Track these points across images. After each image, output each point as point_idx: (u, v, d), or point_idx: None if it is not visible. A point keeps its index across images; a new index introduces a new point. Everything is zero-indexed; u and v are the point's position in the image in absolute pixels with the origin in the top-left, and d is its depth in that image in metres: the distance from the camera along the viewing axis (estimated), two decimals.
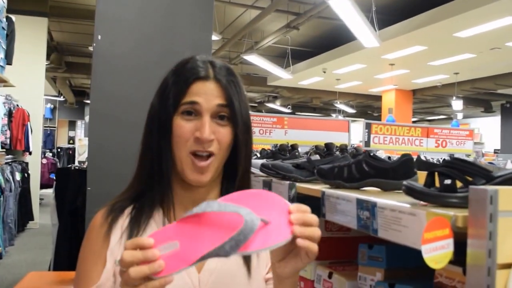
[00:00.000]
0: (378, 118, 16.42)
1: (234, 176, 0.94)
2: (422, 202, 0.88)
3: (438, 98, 14.61)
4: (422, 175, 1.18)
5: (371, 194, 1.04)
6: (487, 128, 17.23)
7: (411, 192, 0.88)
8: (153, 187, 0.93)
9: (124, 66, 2.35)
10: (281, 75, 10.76)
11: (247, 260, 0.93)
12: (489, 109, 15.33)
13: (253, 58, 9.21)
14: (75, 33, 10.47)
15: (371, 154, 1.24)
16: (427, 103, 16.58)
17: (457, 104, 12.14)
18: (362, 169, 1.21)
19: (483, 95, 14.16)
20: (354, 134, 4.88)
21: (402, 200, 1.00)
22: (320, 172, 1.28)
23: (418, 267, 1.14)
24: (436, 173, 0.89)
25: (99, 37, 2.30)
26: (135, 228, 0.91)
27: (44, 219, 7.72)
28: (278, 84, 13.19)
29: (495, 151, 11.75)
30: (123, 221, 0.92)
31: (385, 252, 1.11)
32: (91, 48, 9.26)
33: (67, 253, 4.02)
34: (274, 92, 15.83)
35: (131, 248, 0.69)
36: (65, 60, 12.06)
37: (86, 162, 6.57)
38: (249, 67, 12.45)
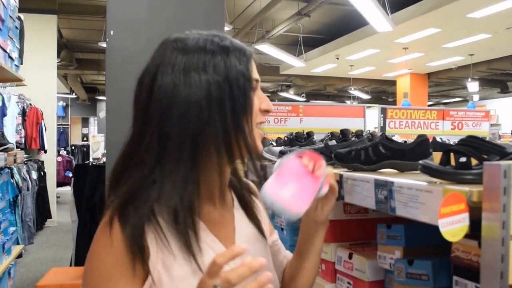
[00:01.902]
0: (393, 103, 16.32)
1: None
2: (438, 180, 0.92)
3: (454, 80, 14.46)
4: (437, 156, 1.22)
5: (388, 175, 1.09)
6: (504, 109, 16.99)
7: (427, 170, 0.93)
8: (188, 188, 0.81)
9: (138, 62, 2.36)
10: (294, 64, 10.75)
11: (261, 229, 0.99)
12: (505, 89, 15.13)
13: (265, 48, 9.22)
14: (84, 29, 10.59)
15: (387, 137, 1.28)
16: (442, 86, 16.42)
17: (472, 86, 12.01)
18: (378, 151, 1.25)
19: (499, 76, 13.97)
20: (369, 120, 4.89)
21: (418, 179, 1.04)
22: (338, 156, 1.33)
23: (435, 244, 1.19)
24: (451, 152, 0.94)
25: (112, 32, 2.35)
26: (185, 231, 0.80)
27: (62, 216, 7.88)
28: (291, 72, 13.17)
29: None
30: (154, 226, 0.81)
31: (403, 231, 1.15)
32: (101, 44, 9.41)
33: (87, 249, 4.10)
34: (287, 81, 15.81)
35: (226, 261, 0.67)
36: (75, 57, 12.21)
37: (102, 158, 6.67)
38: (261, 57, 12.44)
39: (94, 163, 4.44)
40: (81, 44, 12.18)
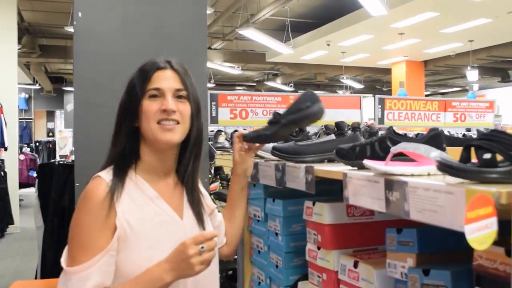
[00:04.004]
0: (388, 92, 16.43)
1: (186, 146, 1.32)
2: (458, 179, 0.89)
3: (452, 68, 14.60)
4: (449, 152, 1.19)
5: (400, 174, 1.05)
6: (505, 99, 17.23)
7: (446, 168, 0.89)
8: (126, 160, 1.29)
9: (110, 47, 2.31)
10: (281, 50, 10.72)
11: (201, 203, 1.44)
12: (506, 78, 15.33)
13: (250, 33, 9.16)
14: (49, 11, 10.34)
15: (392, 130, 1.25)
16: (440, 74, 16.57)
17: (472, 75, 12.13)
18: (386, 147, 1.22)
19: (500, 64, 14.14)
20: (364, 111, 4.88)
21: (434, 178, 1.01)
22: (340, 152, 1.29)
23: (452, 250, 1.16)
24: (472, 148, 0.90)
25: (80, 14, 2.27)
26: (137, 196, 1.27)
27: (26, 222, 7.71)
28: (278, 60, 13.12)
29: None
30: (120, 192, 1.23)
31: (416, 236, 1.12)
32: (67, 29, 9.21)
33: (55, 258, 3.98)
34: (274, 70, 15.77)
35: (210, 237, 1.16)
36: (38, 43, 11.95)
37: (71, 156, 6.53)
38: (245, 43, 12.39)
39: (62, 162, 4.32)
40: (45, 29, 11.91)
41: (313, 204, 1.47)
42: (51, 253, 3.97)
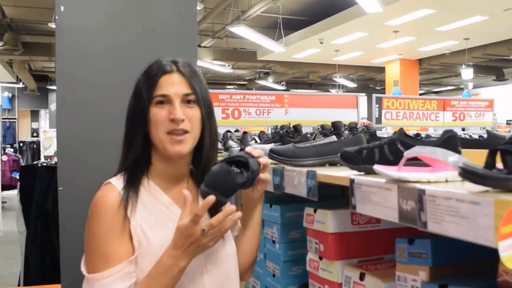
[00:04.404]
0: (381, 91, 16.44)
1: (201, 150, 1.27)
2: (481, 187, 0.81)
3: (446, 67, 14.62)
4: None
5: (416, 181, 0.97)
6: (499, 98, 17.33)
7: (470, 175, 0.81)
8: (138, 167, 1.25)
9: (95, 43, 2.23)
10: (273, 48, 10.64)
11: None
12: (501, 76, 15.40)
13: (241, 30, 9.07)
14: (32, 7, 10.16)
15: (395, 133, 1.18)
16: (434, 73, 16.60)
17: (467, 73, 12.15)
18: (396, 150, 1.14)
19: (495, 62, 14.19)
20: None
21: (453, 186, 0.93)
22: (345, 156, 1.21)
23: (468, 262, 1.09)
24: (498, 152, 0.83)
25: (62, 8, 2.18)
26: (150, 203, 1.23)
27: (9, 225, 7.61)
28: (270, 58, 13.05)
29: (508, 122, 11.76)
30: (134, 199, 1.21)
31: (430, 247, 1.04)
32: (51, 25, 9.06)
33: (39, 263, 3.93)
34: (265, 68, 15.69)
35: (203, 213, 1.09)
36: (21, 41, 11.77)
37: (55, 157, 6.44)
38: (235, 41, 12.29)
39: (45, 164, 4.22)
40: (28, 25, 11.71)
41: (315, 211, 1.39)
42: (34, 257, 3.91)
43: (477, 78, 15.84)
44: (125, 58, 2.23)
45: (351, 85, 16.64)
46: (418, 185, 0.92)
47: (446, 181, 0.98)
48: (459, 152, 1.12)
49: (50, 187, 3.92)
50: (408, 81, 13.13)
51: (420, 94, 18.23)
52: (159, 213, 1.23)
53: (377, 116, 4.24)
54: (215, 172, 1.15)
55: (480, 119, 4.69)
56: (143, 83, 1.24)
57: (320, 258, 1.40)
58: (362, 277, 1.23)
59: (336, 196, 1.69)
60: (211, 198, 1.09)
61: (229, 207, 1.11)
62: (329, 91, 17.47)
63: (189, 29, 2.37)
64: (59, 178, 2.16)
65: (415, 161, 1.05)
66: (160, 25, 2.30)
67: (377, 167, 1.03)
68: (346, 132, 2.66)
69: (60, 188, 2.15)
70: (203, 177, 1.21)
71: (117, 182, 1.23)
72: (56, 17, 2.18)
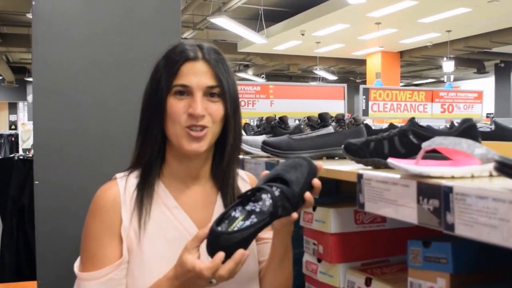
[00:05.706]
0: (362, 84, 16.44)
1: (223, 150, 1.13)
2: None
3: (427, 60, 14.65)
4: None
5: (438, 176, 0.84)
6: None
7: (509, 170, 0.69)
8: (152, 163, 1.11)
9: (73, 32, 2.07)
10: (254, 40, 10.49)
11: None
12: (482, 69, 15.50)
13: (222, 21, 8.89)
14: None
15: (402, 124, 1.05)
16: (414, 66, 16.64)
17: (448, 66, 12.18)
18: (408, 142, 1.01)
19: (476, 55, 14.26)
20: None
21: (481, 182, 0.81)
22: (350, 148, 1.08)
23: (492, 268, 0.97)
24: None
25: None
26: (142, 204, 1.08)
27: None
28: (250, 50, 12.92)
29: (488, 115, 11.83)
30: (131, 198, 1.09)
31: (451, 251, 0.92)
32: (29, 16, 8.76)
33: (14, 260, 3.79)
34: (245, 60, 15.54)
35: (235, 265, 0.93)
36: None
37: (32, 150, 6.23)
38: (216, 33, 12.11)
39: (22, 157, 4.04)
40: (5, 16, 11.45)
41: (314, 209, 1.25)
42: (9, 253, 3.78)
43: (457, 71, 15.92)
44: (105, 46, 2.09)
45: (332, 77, 16.59)
46: (442, 181, 0.79)
47: (472, 176, 0.85)
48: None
49: (27, 181, 3.79)
50: (389, 74, 13.11)
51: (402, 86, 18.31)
52: (159, 215, 1.09)
53: (364, 108, 4.13)
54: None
55: (469, 111, 4.62)
56: (163, 69, 1.08)
57: (319, 261, 1.26)
58: (368, 282, 1.10)
59: (330, 192, 1.56)
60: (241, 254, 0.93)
61: (239, 252, 0.92)
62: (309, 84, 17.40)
63: (172, 16, 2.23)
64: (35, 172, 2.05)
65: (431, 154, 0.93)
66: (143, 12, 2.15)
67: (392, 161, 0.89)
68: (333, 124, 2.56)
69: (36, 182, 2.03)
70: (223, 180, 1.13)
71: (121, 179, 1.12)
72: (33, 3, 2.02)
